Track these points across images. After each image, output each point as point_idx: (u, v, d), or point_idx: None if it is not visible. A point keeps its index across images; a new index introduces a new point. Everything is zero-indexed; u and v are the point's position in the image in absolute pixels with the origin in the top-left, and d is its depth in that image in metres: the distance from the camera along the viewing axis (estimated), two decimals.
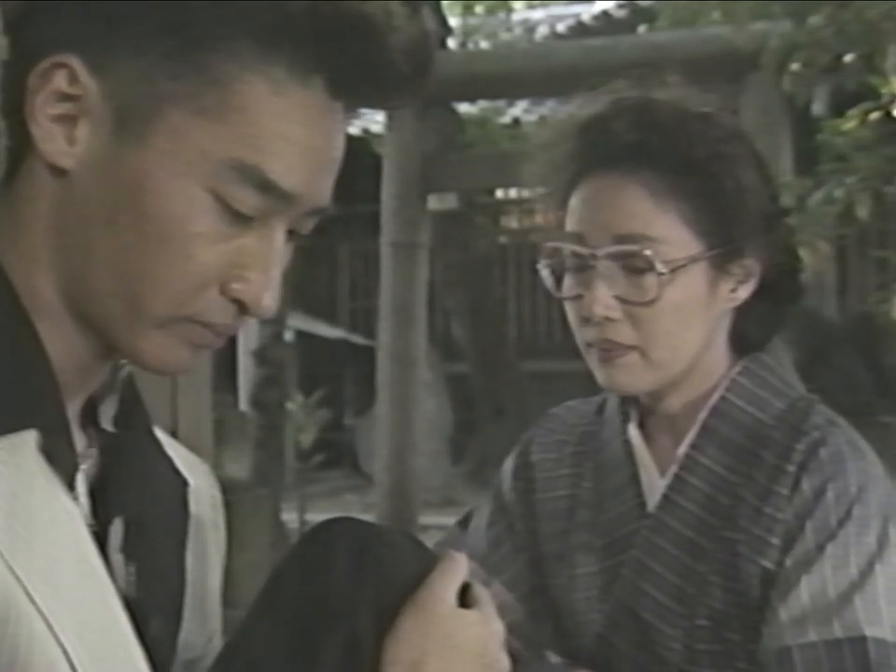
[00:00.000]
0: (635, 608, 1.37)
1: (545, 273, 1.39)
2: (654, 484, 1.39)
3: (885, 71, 4.13)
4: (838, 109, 4.52)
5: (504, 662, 0.95)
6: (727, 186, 1.32)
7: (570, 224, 1.36)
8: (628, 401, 1.44)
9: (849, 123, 4.42)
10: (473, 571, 1.01)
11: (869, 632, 1.22)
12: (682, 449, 1.37)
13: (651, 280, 1.30)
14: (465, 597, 0.94)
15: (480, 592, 0.96)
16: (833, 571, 1.25)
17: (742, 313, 1.38)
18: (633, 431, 1.42)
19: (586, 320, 1.33)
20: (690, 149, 1.31)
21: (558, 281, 1.39)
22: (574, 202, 1.36)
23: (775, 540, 1.29)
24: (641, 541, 1.38)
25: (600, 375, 1.36)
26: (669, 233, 1.31)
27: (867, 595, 1.24)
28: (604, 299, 1.31)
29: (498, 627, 0.95)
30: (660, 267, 1.29)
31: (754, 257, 1.35)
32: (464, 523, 1.56)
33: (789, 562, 1.27)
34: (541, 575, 1.48)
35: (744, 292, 1.36)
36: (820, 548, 1.26)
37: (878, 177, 4.20)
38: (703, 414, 1.37)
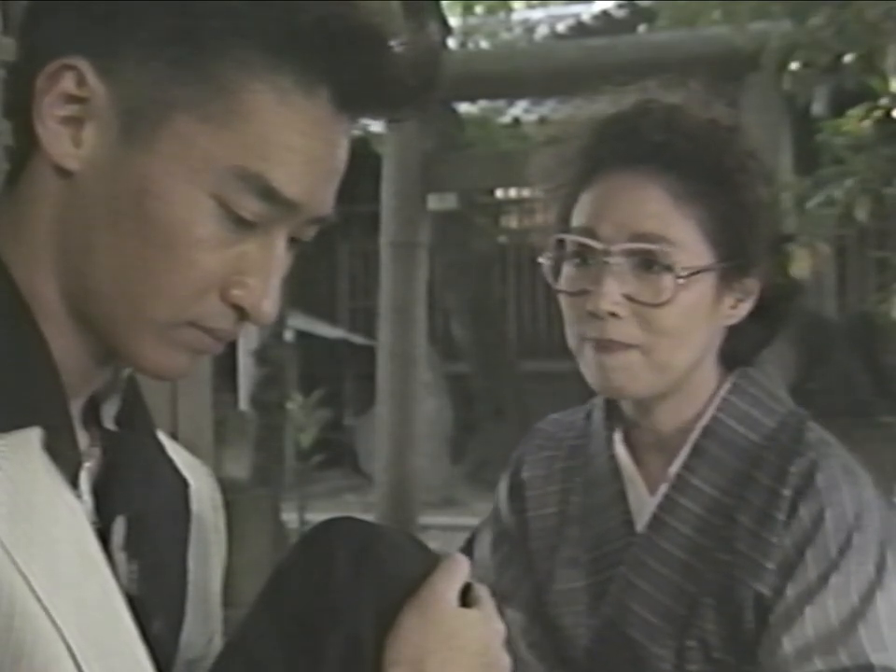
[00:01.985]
0: (622, 625, 1.37)
1: (547, 265, 1.38)
2: (643, 502, 1.39)
3: (885, 71, 4.13)
4: (838, 109, 4.52)
5: (505, 661, 0.95)
6: (748, 200, 1.32)
7: (580, 218, 1.34)
8: (613, 416, 1.43)
9: (849, 124, 4.42)
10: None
11: (875, 659, 1.22)
12: (674, 469, 1.36)
13: (666, 282, 1.29)
14: (466, 597, 0.94)
15: (481, 592, 0.96)
16: (836, 601, 1.25)
17: (734, 330, 1.38)
18: (619, 448, 1.42)
19: (590, 315, 1.31)
20: (718, 158, 1.31)
21: (556, 275, 1.37)
22: (587, 196, 1.35)
23: (770, 565, 1.29)
24: (630, 560, 1.37)
25: (595, 374, 1.34)
26: (686, 239, 1.30)
27: (870, 622, 1.24)
28: (613, 295, 1.29)
29: (500, 627, 0.95)
30: (679, 270, 1.29)
31: (756, 276, 1.35)
32: (466, 550, 1.55)
33: (790, 591, 1.27)
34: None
35: (743, 310, 1.36)
36: (823, 578, 1.26)
37: (878, 179, 4.20)
38: (695, 435, 1.36)
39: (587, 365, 1.35)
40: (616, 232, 1.31)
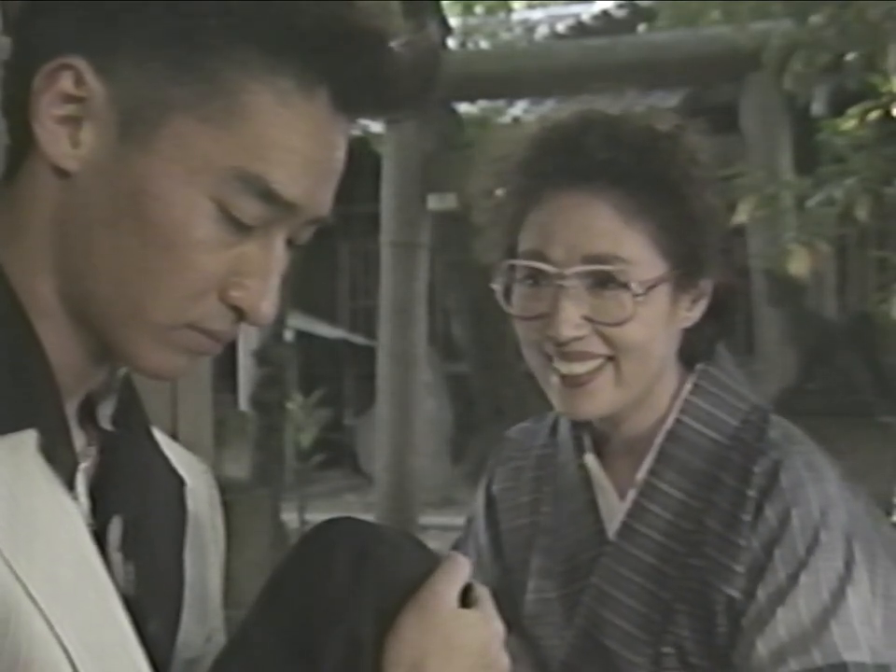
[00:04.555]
0: (597, 635, 1.36)
1: (499, 290, 1.36)
2: (614, 509, 1.38)
3: (885, 70, 4.13)
4: (838, 109, 4.52)
5: (504, 662, 0.95)
6: (695, 207, 1.31)
7: (530, 241, 1.33)
8: (580, 426, 1.42)
9: (849, 123, 4.42)
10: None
11: (848, 657, 1.22)
12: (640, 475, 1.36)
13: (624, 300, 1.28)
14: (466, 598, 0.94)
15: (481, 592, 0.96)
16: (807, 600, 1.25)
17: (690, 330, 1.37)
18: (588, 456, 1.41)
19: (550, 338, 1.30)
20: (663, 169, 1.30)
21: (508, 298, 1.36)
22: (534, 217, 1.33)
23: (739, 568, 1.28)
24: (601, 569, 1.36)
25: (561, 401, 1.33)
26: (639, 254, 1.29)
27: (841, 619, 1.23)
28: (572, 318, 1.28)
29: (499, 627, 0.95)
30: (635, 287, 1.28)
31: (709, 276, 1.34)
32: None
33: (761, 593, 1.27)
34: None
35: (698, 311, 1.35)
36: (793, 578, 1.26)
37: (878, 178, 4.20)
38: (659, 439, 1.36)
39: (552, 391, 1.34)
40: (568, 255, 1.29)
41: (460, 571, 0.94)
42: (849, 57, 4.27)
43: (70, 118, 0.84)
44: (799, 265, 4.23)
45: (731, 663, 1.29)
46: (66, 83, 0.83)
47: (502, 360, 9.38)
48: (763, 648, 1.25)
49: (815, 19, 4.38)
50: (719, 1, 7.06)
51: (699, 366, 1.39)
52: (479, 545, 1.52)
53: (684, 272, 1.32)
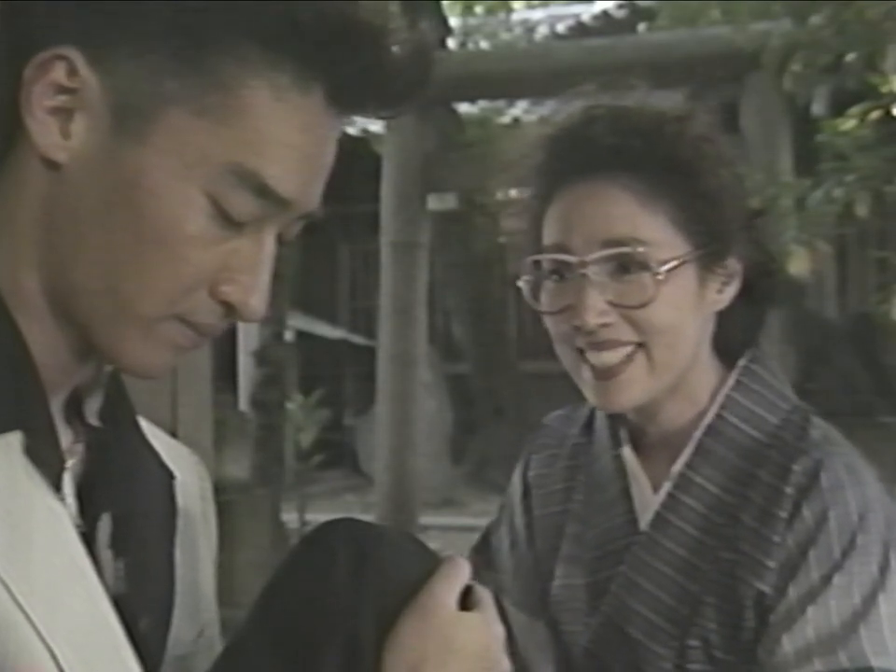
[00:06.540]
0: (622, 624, 1.36)
1: (526, 288, 1.37)
2: (647, 500, 1.38)
3: (885, 70, 4.13)
4: (838, 109, 4.52)
5: (505, 664, 0.94)
6: (710, 184, 1.31)
7: (550, 235, 1.34)
8: (617, 418, 1.42)
9: (849, 123, 4.42)
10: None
11: (875, 662, 1.21)
12: (677, 467, 1.36)
13: (646, 281, 1.28)
14: (466, 600, 0.94)
15: (481, 594, 0.95)
16: (838, 601, 1.24)
17: (725, 317, 1.37)
18: (625, 449, 1.41)
19: (578, 329, 1.30)
20: (672, 150, 1.30)
21: (536, 296, 1.36)
22: (552, 212, 1.34)
23: (771, 564, 1.28)
24: (632, 558, 1.36)
25: (594, 393, 1.33)
26: (657, 235, 1.29)
27: (871, 624, 1.23)
28: (597, 305, 1.29)
29: (499, 630, 0.94)
30: (655, 267, 1.28)
31: (736, 256, 1.34)
32: (481, 547, 1.55)
33: (792, 591, 1.26)
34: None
35: (729, 293, 1.35)
36: (826, 579, 1.25)
37: (878, 177, 4.20)
38: (698, 433, 1.36)
39: (585, 385, 1.34)
40: (587, 243, 1.30)
41: (460, 573, 0.94)
42: (849, 57, 4.27)
43: (62, 109, 0.83)
44: (799, 265, 4.23)
45: (756, 658, 1.28)
46: (59, 74, 0.82)
47: (502, 360, 9.39)
48: (789, 646, 1.25)
49: (815, 19, 4.38)
50: (719, 1, 7.06)
51: (741, 362, 1.39)
52: (515, 531, 1.52)
53: (708, 251, 1.32)
